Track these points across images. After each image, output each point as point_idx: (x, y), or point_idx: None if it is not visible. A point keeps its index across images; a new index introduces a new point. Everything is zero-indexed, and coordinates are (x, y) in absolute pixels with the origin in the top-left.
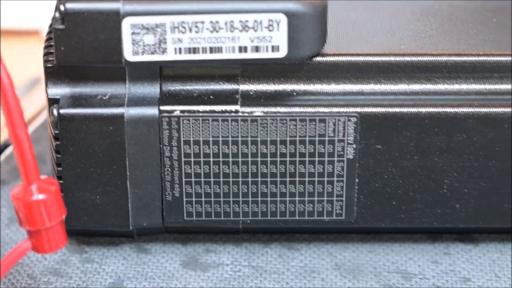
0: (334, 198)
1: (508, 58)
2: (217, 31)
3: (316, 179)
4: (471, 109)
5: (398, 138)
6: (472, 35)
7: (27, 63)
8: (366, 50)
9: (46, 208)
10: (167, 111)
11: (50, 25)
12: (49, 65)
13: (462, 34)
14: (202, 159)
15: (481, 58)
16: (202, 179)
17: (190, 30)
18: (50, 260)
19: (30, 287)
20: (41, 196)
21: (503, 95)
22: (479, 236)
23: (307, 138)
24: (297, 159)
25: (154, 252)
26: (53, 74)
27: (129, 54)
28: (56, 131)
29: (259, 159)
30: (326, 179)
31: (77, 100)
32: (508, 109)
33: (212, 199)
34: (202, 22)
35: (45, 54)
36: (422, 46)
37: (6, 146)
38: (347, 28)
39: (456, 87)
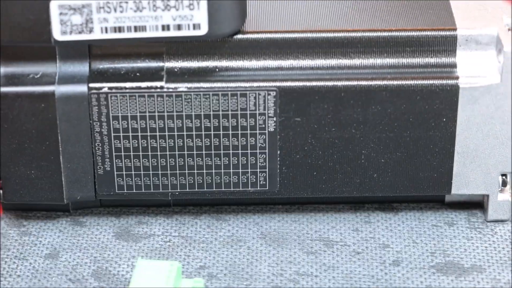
0: (258, 170)
1: (419, 33)
2: (140, 11)
3: (239, 151)
4: (384, 82)
5: (316, 110)
6: (385, 12)
7: None
8: (284, 28)
9: None
10: (95, 88)
11: None
12: None
13: (376, 11)
14: (130, 134)
15: (393, 34)
16: (131, 153)
17: (115, 10)
18: None
19: None
20: None
21: (415, 68)
22: (399, 205)
23: (229, 112)
24: (221, 132)
25: (88, 225)
26: None
27: (57, 33)
28: None
29: (184, 133)
30: (249, 151)
31: (10, 79)
32: (419, 81)
33: (142, 172)
34: (126, 2)
35: None
36: (338, 23)
37: None
38: (267, 6)
39: (370, 61)
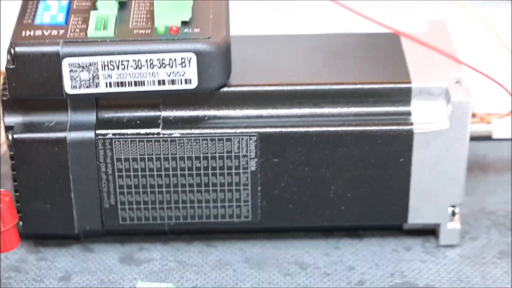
0: (242, 204)
1: (379, 86)
2: (139, 68)
3: (226, 188)
4: (350, 128)
5: (291, 153)
6: (351, 67)
7: None
8: (264, 81)
9: (1, 215)
10: (102, 134)
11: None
12: (4, 98)
13: (343, 66)
14: (132, 173)
15: (357, 86)
16: (133, 190)
17: (118, 68)
18: (11, 259)
19: None
20: None
21: (376, 116)
22: (364, 232)
23: (217, 154)
24: (210, 172)
25: (97, 251)
26: (8, 105)
27: (68, 88)
28: (11, 152)
29: (178, 172)
30: (234, 188)
31: (27, 127)
32: (379, 128)
33: (142, 206)
34: (127, 61)
35: (2, 89)
36: (310, 77)
37: None
38: (250, 62)
39: (337, 110)
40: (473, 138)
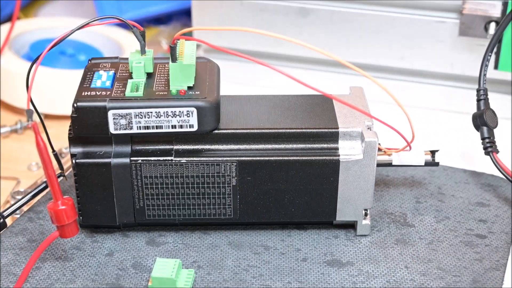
0: (226, 206)
1: (317, 130)
2: (159, 117)
3: (216, 196)
4: (297, 158)
5: (259, 173)
6: (299, 117)
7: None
8: (242, 126)
9: (66, 213)
10: (134, 161)
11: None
12: (70, 135)
13: (293, 116)
14: (154, 186)
15: (302, 130)
16: (155, 197)
17: (145, 117)
18: (74, 241)
19: (63, 255)
20: (63, 207)
21: (315, 150)
22: (307, 226)
23: (210, 174)
24: (205, 185)
25: (131, 236)
26: (72, 140)
27: (112, 129)
28: (75, 172)
29: (185, 185)
30: (221, 196)
31: (85, 155)
32: (317, 158)
33: (161, 207)
34: (151, 112)
35: (69, 130)
36: (272, 123)
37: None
38: (232, 113)
39: (289, 145)
40: (379, 165)
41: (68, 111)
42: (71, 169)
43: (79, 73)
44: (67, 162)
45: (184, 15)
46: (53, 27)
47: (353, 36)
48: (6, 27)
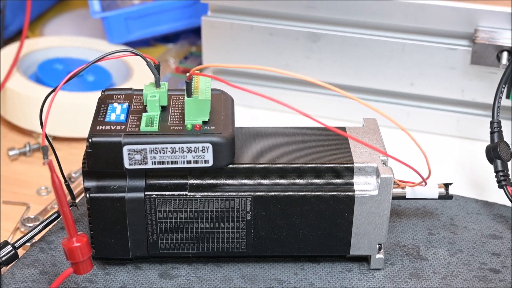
0: (240, 241)
1: (332, 165)
2: (174, 153)
3: (230, 230)
4: (312, 193)
5: (274, 208)
6: (313, 152)
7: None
8: (256, 161)
9: (80, 251)
10: (148, 195)
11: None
12: (84, 169)
13: (308, 151)
14: (168, 220)
15: (317, 165)
16: (168, 231)
17: (160, 152)
18: (87, 274)
19: None
20: (77, 244)
21: (330, 186)
22: (321, 259)
23: (225, 209)
24: (219, 220)
25: (144, 268)
26: (86, 174)
27: (127, 164)
28: (88, 206)
29: (199, 220)
30: (235, 230)
31: (99, 189)
32: (332, 193)
33: (174, 241)
34: (166, 148)
35: (83, 163)
36: (287, 158)
37: (58, 216)
38: (248, 146)
39: (304, 181)
40: (394, 197)
41: (76, 133)
42: (82, 195)
43: (88, 95)
44: (76, 187)
45: (191, 34)
46: (61, 46)
47: (364, 62)
48: (13, 46)
